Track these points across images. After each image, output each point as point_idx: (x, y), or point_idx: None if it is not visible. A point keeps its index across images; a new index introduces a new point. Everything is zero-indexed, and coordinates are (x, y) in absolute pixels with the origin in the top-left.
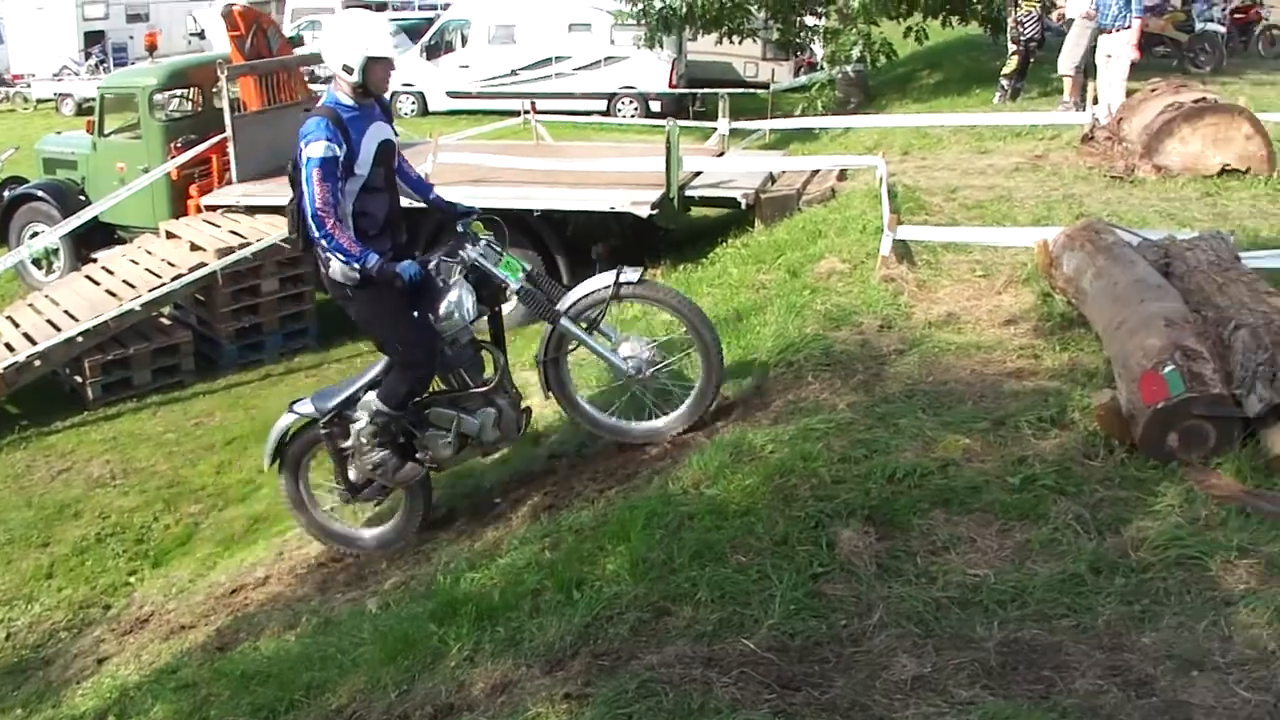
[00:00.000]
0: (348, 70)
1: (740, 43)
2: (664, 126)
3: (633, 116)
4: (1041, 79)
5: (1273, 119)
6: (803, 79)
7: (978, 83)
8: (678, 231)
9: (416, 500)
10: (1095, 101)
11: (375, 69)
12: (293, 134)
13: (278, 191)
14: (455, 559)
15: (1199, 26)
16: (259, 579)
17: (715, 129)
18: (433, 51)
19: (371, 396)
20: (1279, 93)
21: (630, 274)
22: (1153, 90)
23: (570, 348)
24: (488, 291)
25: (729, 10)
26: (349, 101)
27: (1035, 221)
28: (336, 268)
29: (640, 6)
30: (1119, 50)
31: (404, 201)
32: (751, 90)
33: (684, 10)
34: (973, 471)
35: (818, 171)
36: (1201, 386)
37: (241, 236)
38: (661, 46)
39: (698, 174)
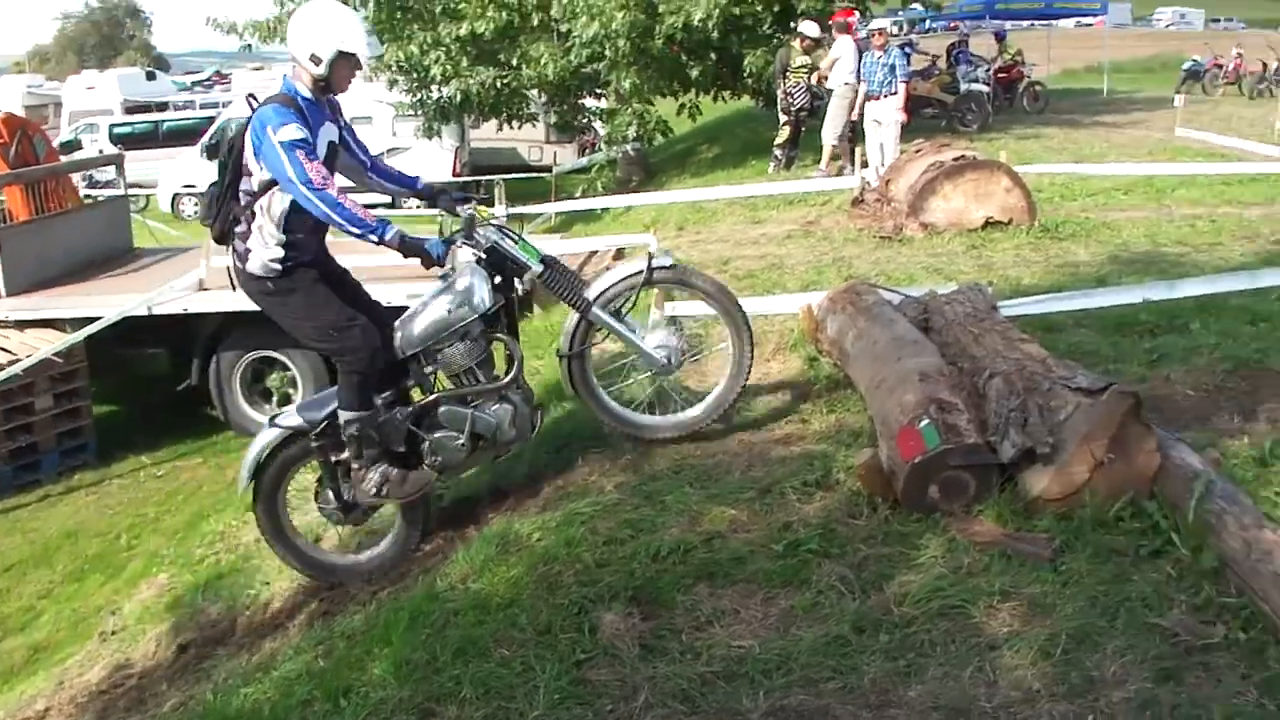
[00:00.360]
0: (315, 61)
1: (522, 127)
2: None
3: (418, 208)
4: (815, 147)
5: (1036, 170)
6: (585, 160)
7: (754, 154)
8: None
9: (414, 513)
10: (865, 165)
11: (343, 65)
12: (64, 243)
13: (48, 305)
14: (232, 675)
15: (964, 87)
16: (38, 712)
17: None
18: (213, 151)
19: (339, 414)
20: (1041, 145)
21: (664, 258)
22: (917, 151)
23: (595, 340)
24: (503, 279)
25: (506, 97)
26: (306, 94)
27: (804, 287)
28: (256, 261)
29: (418, 97)
30: (887, 116)
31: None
32: (537, 174)
33: (459, 99)
34: (738, 542)
35: (595, 252)
36: (956, 437)
37: (11, 353)
38: (441, 136)
39: None
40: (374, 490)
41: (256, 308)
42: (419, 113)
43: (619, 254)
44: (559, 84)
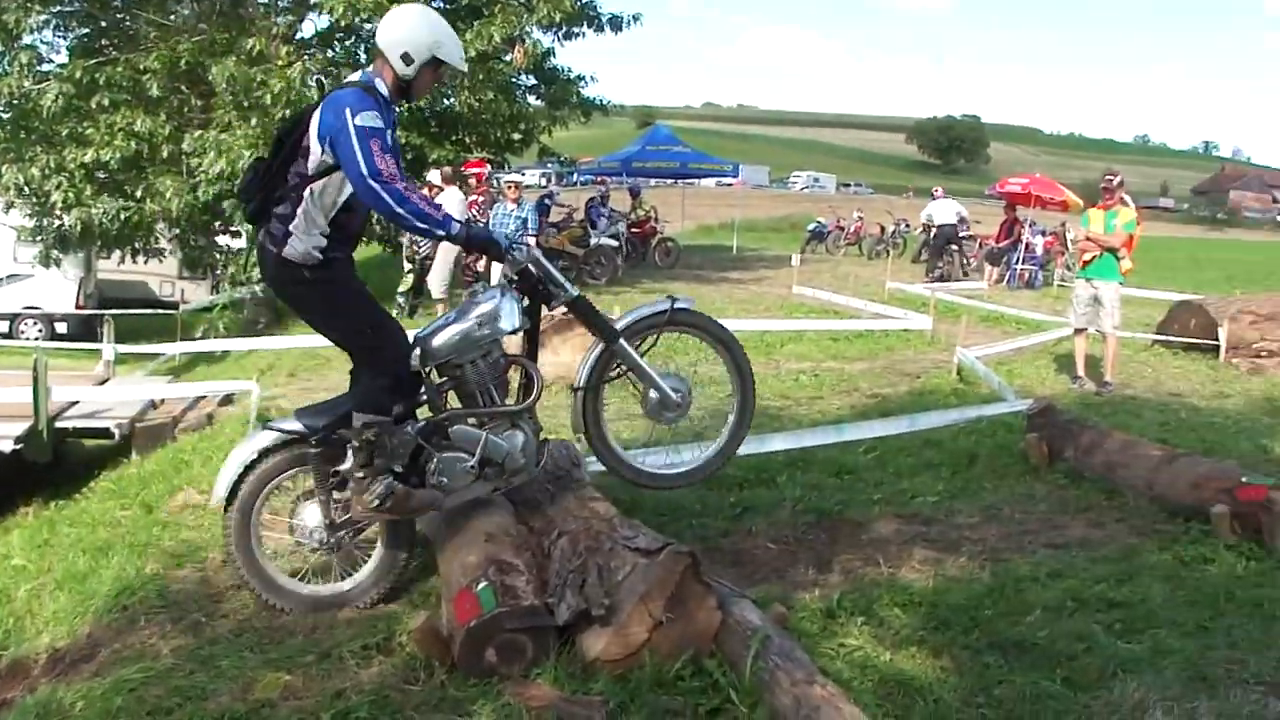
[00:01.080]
0: (405, 60)
1: (148, 262)
2: (72, 349)
3: (38, 339)
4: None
5: None
6: (211, 299)
7: (381, 301)
8: (53, 465)
9: (399, 540)
10: None
11: (429, 72)
12: None
13: None
14: None
15: (594, 241)
16: None
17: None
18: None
19: (355, 416)
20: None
21: (684, 301)
22: None
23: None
24: (532, 301)
25: (131, 229)
26: (385, 91)
27: None
28: (296, 247)
29: (37, 223)
30: None
31: None
32: (166, 310)
33: (79, 229)
34: (288, 710)
35: (203, 397)
36: (513, 600)
37: None
38: (62, 265)
39: (74, 404)
40: (377, 503)
41: None
42: (38, 239)
43: (228, 399)
44: (186, 219)
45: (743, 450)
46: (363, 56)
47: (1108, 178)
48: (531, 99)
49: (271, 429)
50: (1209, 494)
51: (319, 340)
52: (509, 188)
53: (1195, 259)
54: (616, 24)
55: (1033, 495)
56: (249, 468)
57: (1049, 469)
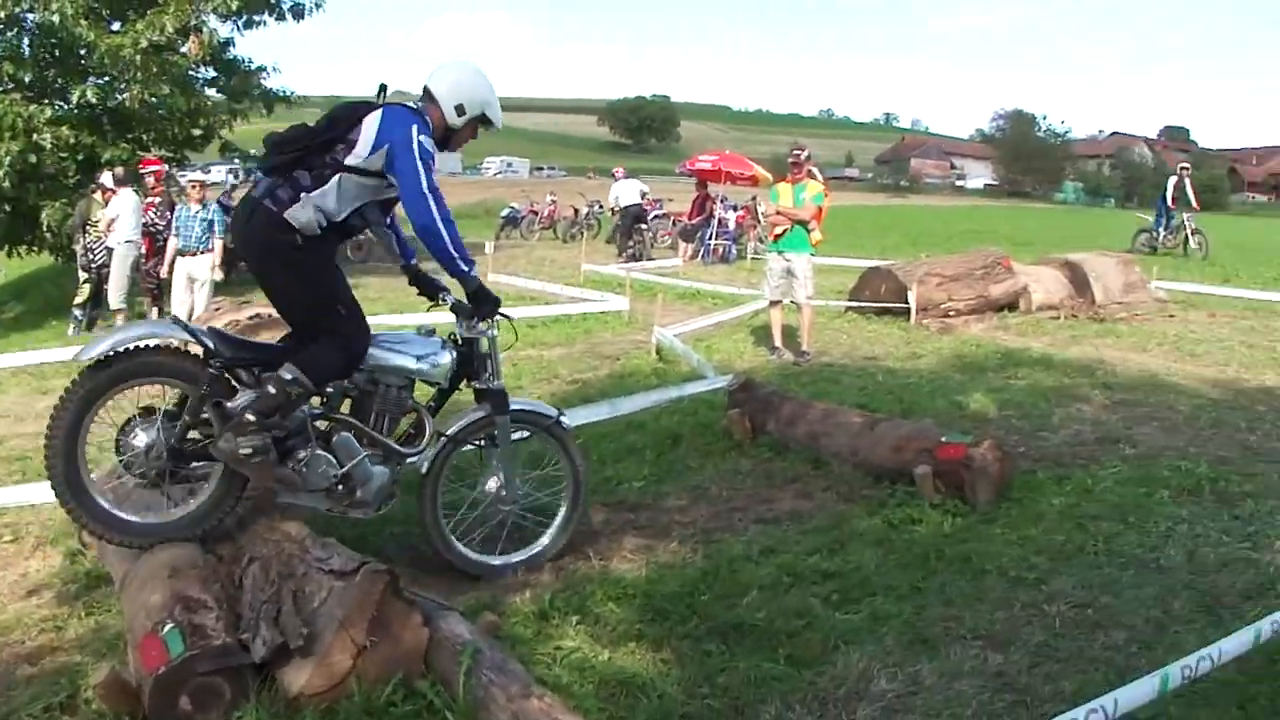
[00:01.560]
0: (458, 111)
1: None
2: None
3: None
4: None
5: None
6: None
7: (56, 314)
8: None
9: (236, 484)
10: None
11: (470, 129)
12: None
13: None
14: None
15: None
16: None
17: None
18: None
19: (286, 367)
20: (360, 295)
21: (568, 422)
22: (216, 309)
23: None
24: (460, 370)
25: None
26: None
27: None
28: (300, 213)
29: None
30: (202, 273)
31: None
32: None
33: None
34: None
35: None
36: (203, 640)
37: None
38: None
39: None
40: (248, 453)
41: None
42: None
43: None
44: None
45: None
46: (26, 49)
47: (795, 152)
48: (211, 92)
49: (179, 326)
50: (911, 456)
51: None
52: (192, 188)
53: (881, 225)
54: (299, 11)
55: (739, 471)
56: (126, 352)
57: (753, 443)
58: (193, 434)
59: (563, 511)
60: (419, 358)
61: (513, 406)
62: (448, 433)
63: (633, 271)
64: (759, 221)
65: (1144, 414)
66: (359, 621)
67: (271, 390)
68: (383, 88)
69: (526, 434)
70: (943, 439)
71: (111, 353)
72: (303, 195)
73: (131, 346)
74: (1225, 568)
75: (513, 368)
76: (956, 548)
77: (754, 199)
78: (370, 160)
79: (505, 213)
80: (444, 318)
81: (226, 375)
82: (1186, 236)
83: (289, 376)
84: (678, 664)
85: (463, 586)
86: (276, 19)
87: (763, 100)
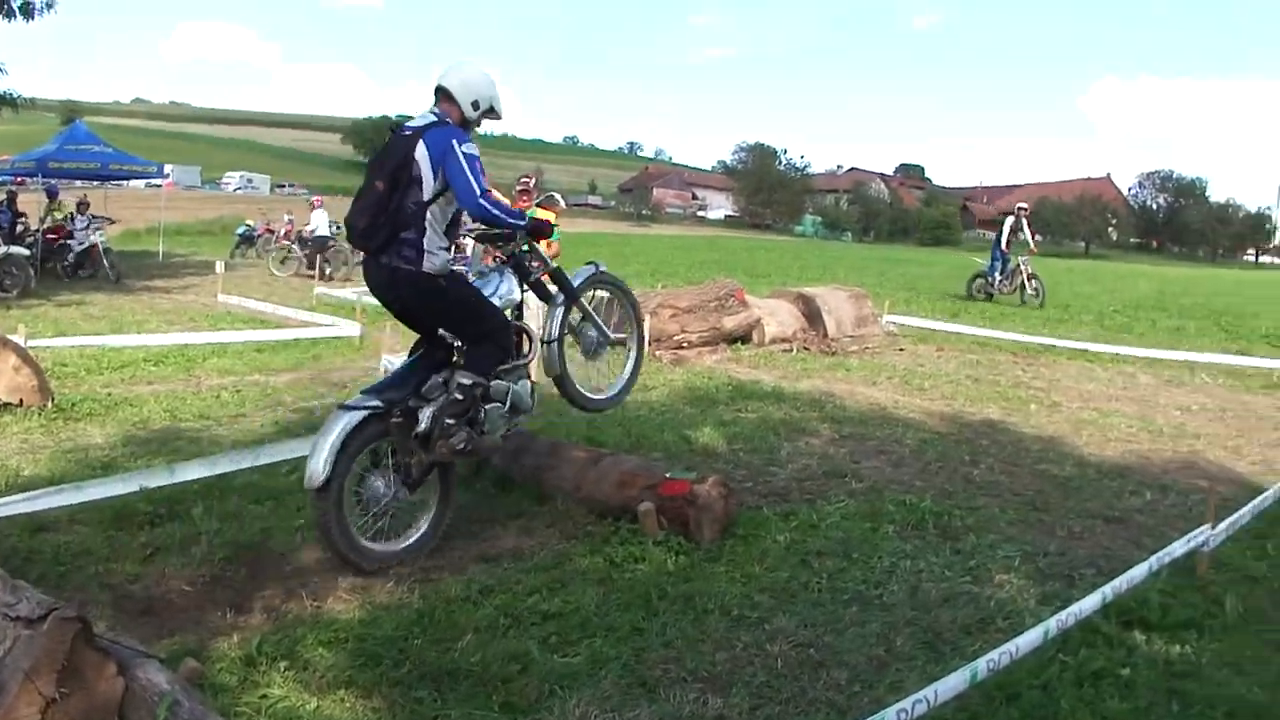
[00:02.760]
0: (474, 106)
1: None
2: None
3: None
4: None
5: (67, 343)
6: None
7: None
8: None
9: (447, 500)
10: None
11: (480, 122)
12: None
13: None
14: None
15: (3, 250)
16: None
17: None
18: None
19: (459, 374)
20: (82, 313)
21: (602, 265)
22: None
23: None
24: (519, 276)
25: None
26: None
27: None
28: (432, 262)
29: None
30: None
31: None
32: None
33: None
34: None
35: None
36: None
37: None
38: None
39: None
40: (462, 446)
41: None
42: None
43: None
44: None
45: (153, 482)
46: None
47: (523, 180)
48: None
49: (350, 409)
50: (635, 491)
51: None
52: None
53: (622, 254)
54: (28, 10)
55: (462, 506)
56: (341, 449)
57: (477, 477)
58: (413, 462)
59: (634, 347)
60: (501, 295)
61: (576, 283)
62: (548, 337)
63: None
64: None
65: (871, 448)
66: (47, 672)
67: (459, 396)
68: (394, 120)
69: (590, 293)
70: (667, 475)
71: (331, 466)
72: (424, 247)
73: (339, 445)
74: (947, 603)
75: (236, 394)
76: (679, 587)
77: None
78: (437, 185)
79: (241, 231)
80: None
81: (405, 413)
82: (1023, 282)
83: (468, 382)
84: (388, 712)
85: (168, 628)
86: (4, 16)
87: (507, 124)
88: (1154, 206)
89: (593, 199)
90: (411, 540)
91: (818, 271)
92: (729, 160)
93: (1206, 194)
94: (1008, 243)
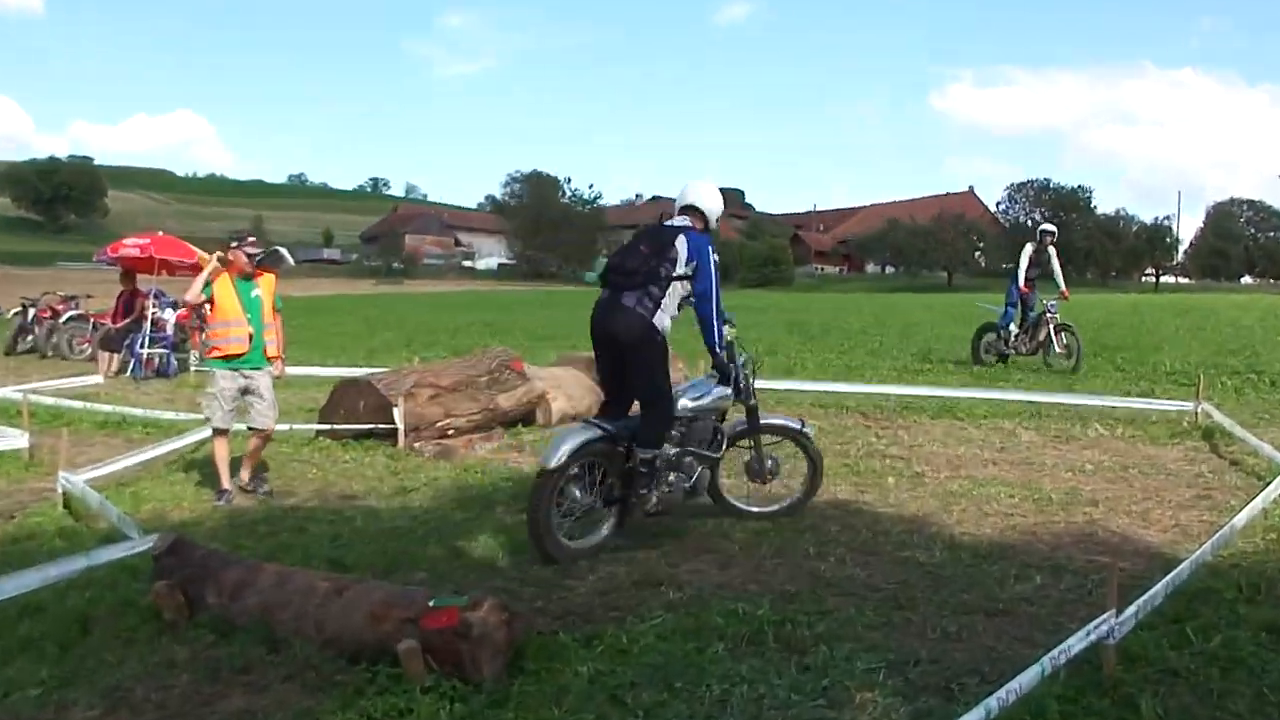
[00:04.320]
0: (715, 221)
1: None
2: None
3: None
4: None
5: None
6: None
7: None
8: None
9: (624, 521)
10: None
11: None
12: None
13: None
14: None
15: None
16: None
17: None
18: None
19: (639, 451)
20: None
21: (810, 429)
22: None
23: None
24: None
25: None
26: None
27: None
28: (660, 319)
29: None
30: None
31: None
32: None
33: None
34: None
35: None
36: None
37: None
38: None
39: None
40: (652, 508)
41: None
42: None
43: None
44: None
45: None
46: None
47: (249, 241)
48: None
49: (592, 424)
50: (391, 627)
51: None
52: None
53: (368, 320)
54: None
55: (173, 663)
56: (578, 448)
57: (190, 623)
58: (615, 484)
59: (800, 491)
60: (718, 396)
61: (764, 420)
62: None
63: (32, 394)
64: (205, 324)
65: (693, 545)
66: None
67: (643, 470)
68: (662, 216)
69: (778, 438)
70: (430, 603)
71: (567, 457)
72: (660, 306)
73: (578, 446)
74: None
75: None
76: None
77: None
78: (686, 270)
79: None
80: None
81: (627, 450)
82: (1049, 336)
83: (648, 456)
84: None
85: None
86: None
87: (216, 163)
88: (1029, 224)
89: (329, 252)
90: (594, 542)
91: None
92: (499, 195)
93: (1092, 205)
94: (1028, 280)
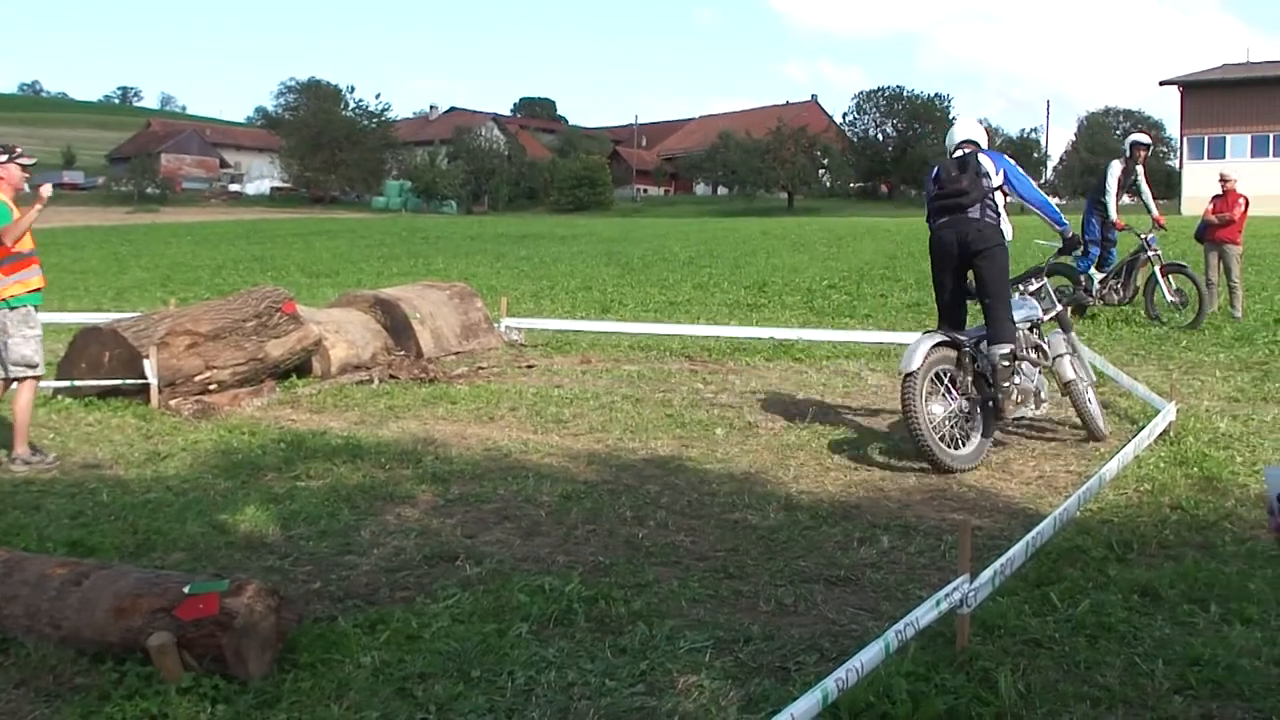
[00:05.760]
0: (985, 143)
1: None
2: None
3: None
4: None
5: None
6: None
7: None
8: None
9: (989, 430)
10: None
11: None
12: None
13: None
14: None
15: None
16: None
17: None
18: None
19: (993, 349)
20: None
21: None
22: None
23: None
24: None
25: None
26: None
27: None
28: (1003, 228)
29: None
30: None
31: None
32: None
33: None
34: None
35: None
36: None
37: None
38: None
39: None
40: (1014, 412)
41: None
42: None
43: None
44: None
45: None
46: None
47: (2, 152)
48: None
49: (934, 333)
50: (139, 620)
51: None
52: None
53: (115, 256)
54: None
55: None
56: (930, 350)
57: None
58: (970, 381)
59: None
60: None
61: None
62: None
63: None
64: None
65: (492, 513)
66: None
67: (1005, 364)
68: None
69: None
70: (186, 589)
71: (922, 359)
72: (999, 215)
73: (928, 349)
74: None
75: None
76: None
77: None
78: (997, 179)
79: None
80: None
81: (973, 354)
82: (1156, 280)
83: (1005, 351)
84: None
85: None
86: None
87: None
88: (879, 138)
89: (70, 175)
90: (970, 451)
91: (407, 263)
92: (271, 108)
93: (951, 116)
94: (1115, 207)
